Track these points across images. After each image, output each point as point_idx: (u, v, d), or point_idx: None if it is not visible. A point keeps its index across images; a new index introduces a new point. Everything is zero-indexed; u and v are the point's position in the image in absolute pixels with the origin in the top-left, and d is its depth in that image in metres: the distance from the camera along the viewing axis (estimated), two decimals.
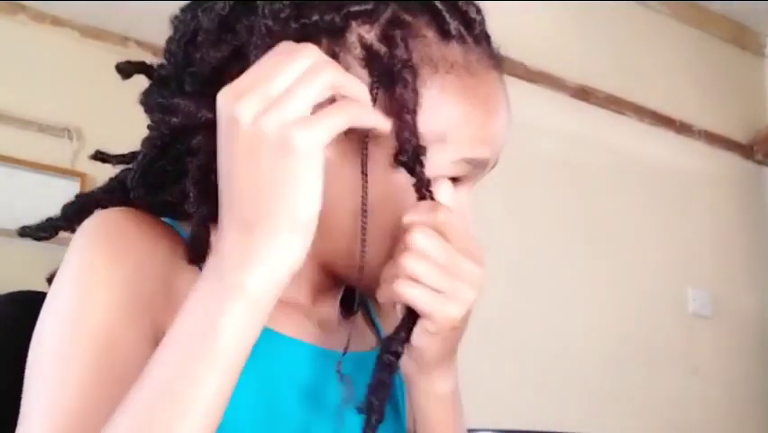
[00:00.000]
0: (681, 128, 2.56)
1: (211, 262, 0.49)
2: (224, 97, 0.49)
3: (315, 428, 0.61)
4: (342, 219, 0.58)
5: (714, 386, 2.43)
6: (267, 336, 0.60)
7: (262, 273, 0.47)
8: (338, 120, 0.49)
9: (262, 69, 0.49)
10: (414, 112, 0.55)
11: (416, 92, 0.55)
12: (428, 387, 0.61)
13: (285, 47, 0.51)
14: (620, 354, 2.25)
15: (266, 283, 0.48)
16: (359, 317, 0.73)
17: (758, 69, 2.91)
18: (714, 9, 2.74)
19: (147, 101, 0.63)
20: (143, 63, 0.66)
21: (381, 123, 0.53)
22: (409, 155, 0.54)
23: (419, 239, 0.54)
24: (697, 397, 2.38)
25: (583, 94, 2.35)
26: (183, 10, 0.63)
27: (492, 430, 1.73)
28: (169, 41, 0.63)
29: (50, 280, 0.63)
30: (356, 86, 0.52)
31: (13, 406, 0.54)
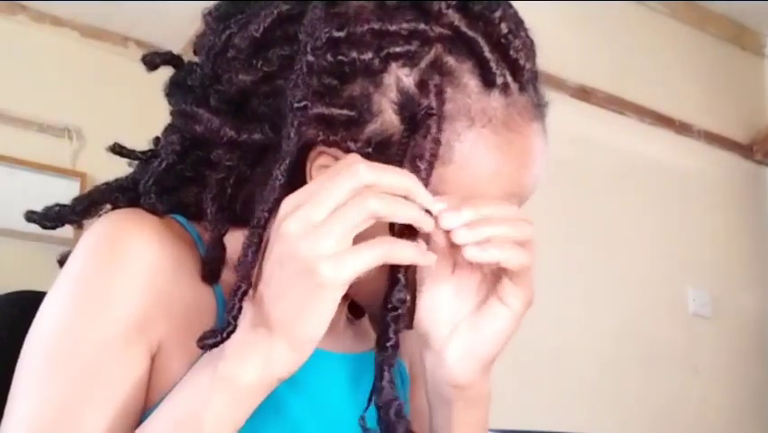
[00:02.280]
0: (681, 128, 2.56)
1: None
2: (284, 205, 0.49)
3: (313, 428, 0.61)
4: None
5: (714, 386, 2.43)
6: None
7: (253, 374, 0.49)
8: (368, 259, 0.47)
9: (317, 185, 0.48)
10: (429, 163, 0.52)
11: (436, 142, 0.52)
12: (475, 394, 0.58)
13: (336, 169, 0.49)
14: (620, 353, 2.25)
15: (254, 383, 0.49)
16: (364, 319, 0.73)
17: (758, 69, 2.91)
18: (714, 9, 2.73)
19: (171, 100, 0.62)
20: (170, 53, 0.65)
21: (418, 258, 0.50)
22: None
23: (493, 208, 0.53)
24: (697, 397, 2.38)
25: (583, 94, 2.35)
26: (217, 10, 0.61)
27: (492, 430, 1.73)
28: (199, 44, 0.61)
29: (60, 261, 0.63)
30: (400, 211, 0.49)
31: None
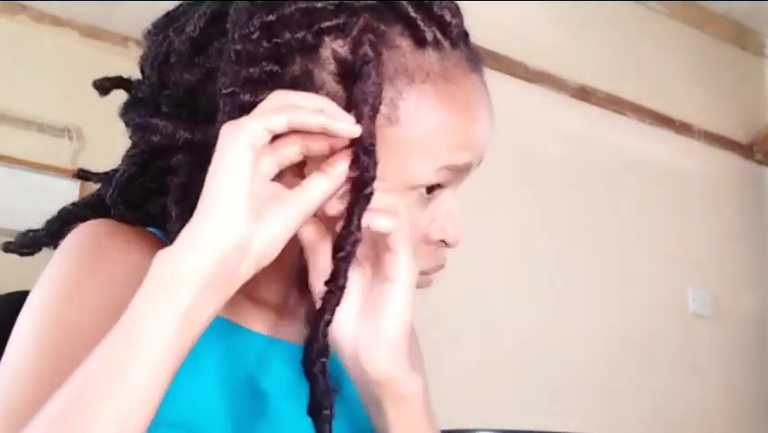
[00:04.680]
0: (681, 128, 2.56)
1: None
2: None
3: (287, 420, 0.61)
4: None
5: (714, 386, 2.43)
6: (240, 333, 0.62)
7: (192, 257, 0.47)
8: (274, 120, 0.50)
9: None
10: (375, 110, 0.54)
11: (378, 86, 0.54)
12: (402, 388, 0.57)
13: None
14: (620, 353, 2.25)
15: (193, 270, 0.47)
16: None
17: (758, 69, 2.91)
18: (714, 9, 2.74)
19: (125, 118, 0.64)
20: (120, 77, 0.68)
21: (343, 128, 0.52)
22: (360, 157, 0.53)
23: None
24: (697, 397, 2.38)
25: (583, 94, 2.35)
26: (155, 26, 0.64)
27: (492, 430, 1.73)
28: (143, 60, 0.64)
29: None
30: (313, 116, 0.51)
31: None
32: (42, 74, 2.78)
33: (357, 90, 0.54)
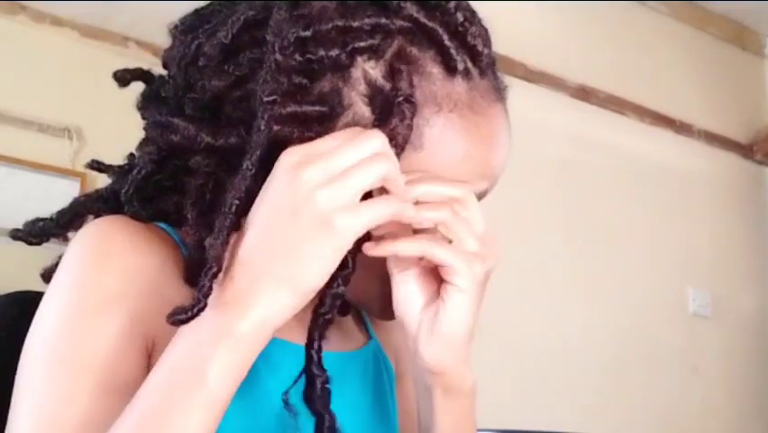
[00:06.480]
0: (681, 128, 2.56)
1: (213, 295, 0.51)
2: (292, 156, 0.52)
3: (298, 425, 0.61)
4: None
5: (714, 386, 2.43)
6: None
7: (253, 321, 0.50)
8: (382, 212, 0.51)
9: (332, 143, 0.52)
10: (401, 147, 0.55)
11: (410, 128, 0.55)
12: (453, 381, 0.60)
13: (355, 130, 0.53)
14: (620, 353, 2.25)
15: (254, 331, 0.50)
16: (348, 318, 0.74)
17: (758, 68, 2.91)
18: (714, 9, 2.74)
19: (144, 113, 0.64)
20: (141, 69, 0.67)
21: (422, 221, 0.54)
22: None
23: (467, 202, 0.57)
24: (697, 397, 2.38)
25: (583, 94, 2.35)
26: (183, 23, 0.63)
27: (492, 430, 1.73)
28: (169, 57, 0.63)
29: (43, 276, 0.65)
30: (401, 182, 0.53)
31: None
32: (42, 74, 2.78)
33: (388, 129, 0.55)
